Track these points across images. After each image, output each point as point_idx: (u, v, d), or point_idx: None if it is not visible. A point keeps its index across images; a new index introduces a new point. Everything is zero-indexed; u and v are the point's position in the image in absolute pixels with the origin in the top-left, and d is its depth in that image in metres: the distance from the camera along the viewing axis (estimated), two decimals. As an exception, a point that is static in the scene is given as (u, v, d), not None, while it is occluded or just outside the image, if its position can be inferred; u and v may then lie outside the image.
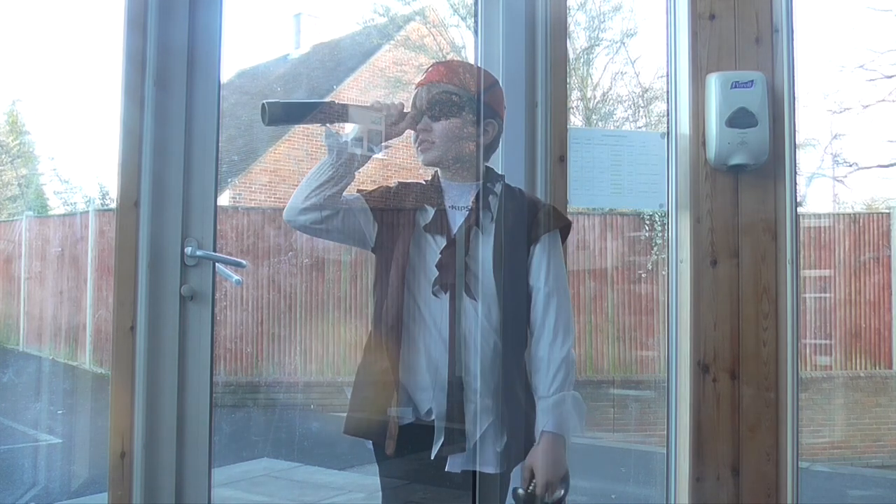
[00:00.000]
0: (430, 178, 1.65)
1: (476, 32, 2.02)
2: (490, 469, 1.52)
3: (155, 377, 1.73)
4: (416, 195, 1.63)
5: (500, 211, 1.58)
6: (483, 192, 1.58)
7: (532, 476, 1.47)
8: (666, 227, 2.10)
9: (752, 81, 1.93)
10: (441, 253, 1.54)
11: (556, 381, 1.50)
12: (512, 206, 1.60)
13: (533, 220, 1.60)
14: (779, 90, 1.94)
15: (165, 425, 1.73)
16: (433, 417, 1.51)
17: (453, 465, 1.50)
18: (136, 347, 1.71)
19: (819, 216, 7.81)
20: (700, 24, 1.99)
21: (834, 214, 7.99)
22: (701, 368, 1.94)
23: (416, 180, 1.66)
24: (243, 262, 2.04)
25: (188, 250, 1.76)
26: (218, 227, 1.81)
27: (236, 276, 1.97)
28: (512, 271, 1.55)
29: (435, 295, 1.53)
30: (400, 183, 1.66)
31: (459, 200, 1.59)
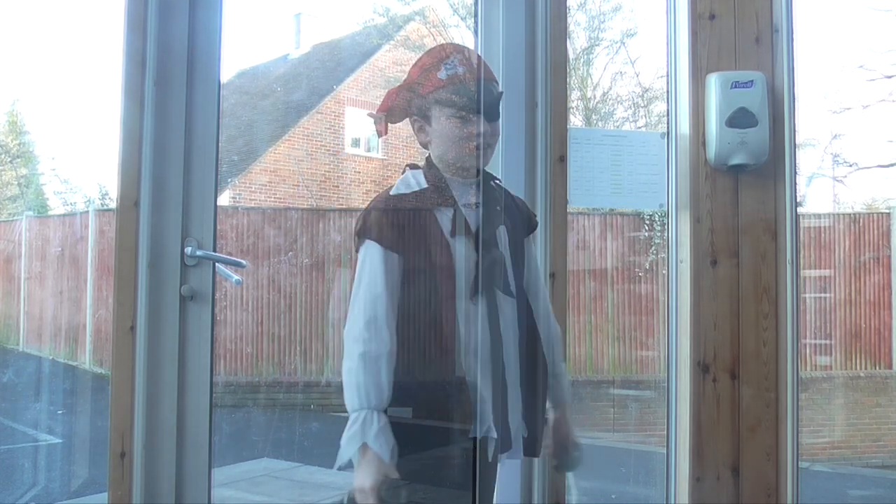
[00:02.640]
0: (423, 176, 1.55)
1: (476, 32, 2.02)
2: (519, 457, 1.57)
3: (155, 377, 1.73)
4: (428, 202, 1.52)
5: (506, 208, 1.59)
6: (492, 190, 1.57)
7: (563, 446, 1.59)
8: (666, 227, 2.10)
9: (752, 81, 1.93)
10: (476, 254, 1.49)
11: (558, 353, 1.64)
12: (510, 203, 1.62)
13: (526, 215, 1.66)
14: (779, 90, 1.94)
15: (165, 425, 1.73)
16: (494, 433, 1.48)
17: (501, 459, 1.52)
18: (136, 347, 1.71)
19: (819, 216, 7.81)
20: (700, 24, 1.99)
21: (834, 214, 7.99)
22: (701, 368, 1.94)
23: (406, 189, 1.54)
24: (243, 262, 2.04)
25: (188, 250, 1.76)
26: (218, 227, 1.81)
27: (236, 276, 1.97)
28: (520, 265, 1.57)
29: (474, 302, 1.48)
30: (395, 199, 1.53)
31: (469, 198, 1.54)
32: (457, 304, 1.47)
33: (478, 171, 1.56)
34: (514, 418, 1.51)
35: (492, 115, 1.53)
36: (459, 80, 1.51)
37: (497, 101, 1.55)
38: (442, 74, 1.52)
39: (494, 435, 1.47)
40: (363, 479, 1.37)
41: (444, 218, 1.50)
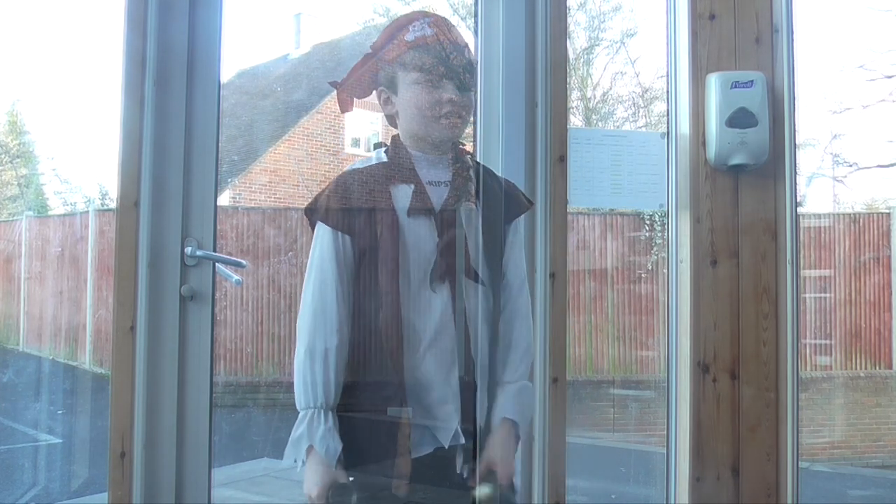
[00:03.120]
0: (387, 149, 1.44)
1: (476, 32, 2.02)
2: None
3: (155, 377, 1.72)
4: (383, 178, 1.40)
5: (480, 186, 1.45)
6: (461, 165, 1.43)
7: (488, 467, 1.37)
8: (666, 227, 2.10)
9: (752, 81, 1.93)
10: (436, 237, 1.36)
11: (521, 367, 1.43)
12: (489, 182, 1.49)
13: (510, 198, 1.50)
14: (779, 90, 1.94)
15: (165, 425, 1.73)
16: (460, 441, 1.34)
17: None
18: (136, 347, 1.71)
19: (819, 216, 7.81)
20: (700, 24, 1.99)
21: (834, 214, 7.99)
22: (701, 368, 1.94)
23: (362, 165, 1.43)
24: (243, 262, 2.04)
25: (188, 250, 1.75)
26: (218, 227, 1.81)
27: (236, 276, 1.97)
28: (494, 252, 1.43)
29: (432, 288, 1.35)
30: (347, 175, 1.42)
31: (437, 175, 1.41)
32: (411, 290, 1.34)
33: (452, 143, 1.43)
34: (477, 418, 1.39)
35: (463, 85, 1.39)
36: (427, 42, 1.38)
37: (469, 68, 1.40)
38: (409, 36, 1.40)
39: (462, 441, 1.35)
40: (310, 485, 1.30)
41: (402, 195, 1.38)
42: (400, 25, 1.43)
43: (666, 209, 2.05)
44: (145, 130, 1.73)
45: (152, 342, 1.72)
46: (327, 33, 11.58)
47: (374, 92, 1.48)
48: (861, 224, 7.59)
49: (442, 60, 1.37)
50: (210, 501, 1.76)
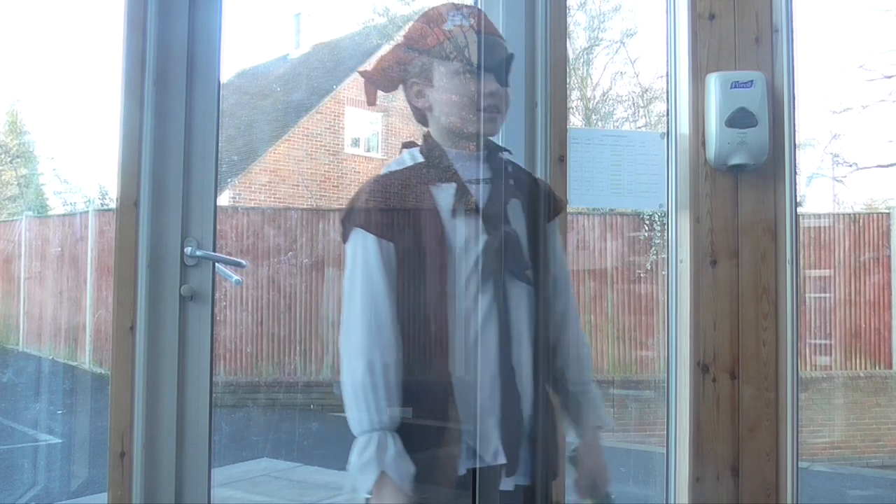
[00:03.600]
0: (420, 152, 1.36)
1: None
2: (525, 481, 1.32)
3: (155, 377, 1.72)
4: (423, 179, 1.32)
5: (517, 183, 1.38)
6: (499, 163, 1.36)
7: (593, 479, 1.34)
8: (666, 227, 2.10)
9: (751, 81, 1.93)
10: (483, 237, 1.28)
11: (588, 369, 1.40)
12: (524, 179, 1.42)
13: (549, 196, 1.44)
14: (779, 90, 1.94)
15: (165, 425, 1.73)
16: (499, 460, 1.26)
17: (507, 483, 1.28)
18: (136, 347, 1.71)
19: (819, 216, 7.82)
20: (700, 24, 1.99)
21: (834, 214, 7.99)
22: (701, 368, 1.94)
23: (398, 167, 1.34)
24: (243, 262, 2.04)
25: (188, 250, 1.75)
26: (218, 227, 1.81)
27: (236, 276, 1.97)
28: (537, 251, 1.36)
29: (481, 290, 1.27)
30: (383, 178, 1.33)
31: (475, 173, 1.34)
32: (456, 293, 1.27)
33: (479, 137, 1.35)
34: (529, 431, 1.30)
35: (503, 78, 1.34)
36: (467, 31, 1.32)
37: (510, 60, 1.36)
38: (447, 25, 1.32)
39: (503, 460, 1.26)
40: None
41: (444, 195, 1.29)
42: (437, 14, 1.35)
43: (666, 209, 2.05)
44: (145, 130, 1.73)
45: (152, 342, 1.72)
46: (327, 33, 11.59)
47: (402, 86, 1.40)
48: (861, 224, 7.59)
49: (482, 51, 1.31)
50: (210, 501, 1.76)
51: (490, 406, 1.27)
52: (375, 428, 1.21)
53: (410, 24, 1.39)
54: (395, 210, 1.29)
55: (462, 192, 1.29)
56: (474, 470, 1.26)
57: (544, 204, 1.42)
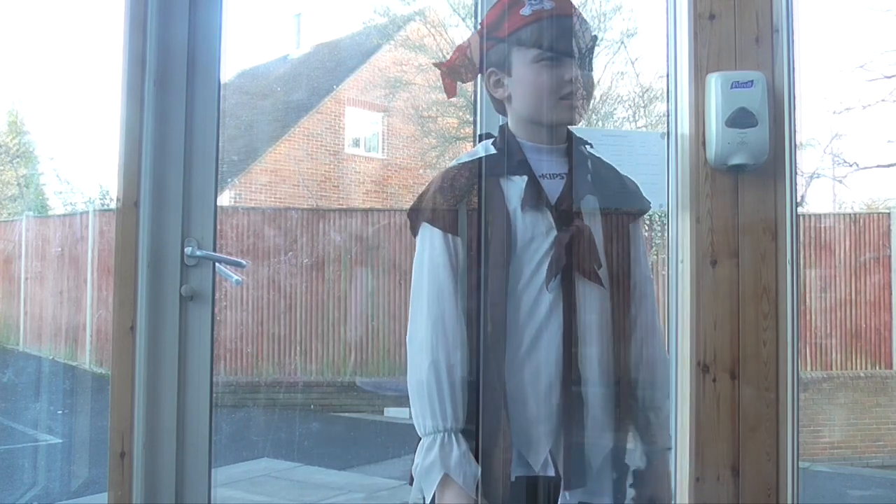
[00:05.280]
0: (494, 141, 1.30)
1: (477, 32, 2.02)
2: (608, 501, 1.26)
3: (155, 377, 1.73)
4: (493, 172, 1.27)
5: (597, 179, 1.32)
6: (580, 157, 1.29)
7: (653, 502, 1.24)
8: (666, 227, 2.10)
9: (752, 81, 1.93)
10: (552, 233, 1.22)
11: (664, 387, 1.33)
12: (606, 176, 1.36)
13: (633, 196, 1.38)
14: (779, 90, 1.94)
15: (165, 425, 1.73)
16: (549, 471, 1.20)
17: (568, 497, 1.22)
18: (136, 347, 1.71)
19: (819, 216, 7.82)
20: (700, 24, 1.99)
21: (834, 214, 8.00)
22: (701, 368, 1.94)
23: (469, 158, 1.29)
24: (243, 261, 2.04)
25: (188, 250, 1.76)
26: (218, 227, 1.82)
27: (236, 276, 1.97)
28: (615, 253, 1.30)
29: (547, 288, 1.20)
30: (453, 171, 1.28)
31: (551, 167, 1.27)
32: (518, 290, 1.21)
33: (550, 128, 1.28)
34: (597, 449, 1.24)
35: (585, 63, 1.27)
36: (546, 16, 1.24)
37: (592, 45, 1.28)
38: (525, 10, 1.25)
39: (552, 473, 1.20)
40: None
41: (514, 189, 1.24)
42: (513, 0, 1.28)
43: (666, 209, 2.05)
44: (145, 130, 1.74)
45: (152, 342, 1.72)
46: (327, 33, 11.60)
47: (480, 76, 1.34)
48: (861, 224, 7.59)
49: (563, 35, 1.24)
50: (210, 501, 1.76)
51: (544, 413, 1.21)
52: (440, 429, 1.17)
53: (489, 9, 1.33)
54: (463, 204, 1.24)
55: (533, 187, 1.24)
56: (527, 478, 1.21)
57: (627, 203, 1.36)
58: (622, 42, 9.10)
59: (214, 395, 1.78)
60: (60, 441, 5.25)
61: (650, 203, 1.45)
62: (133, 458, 1.69)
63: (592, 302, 1.24)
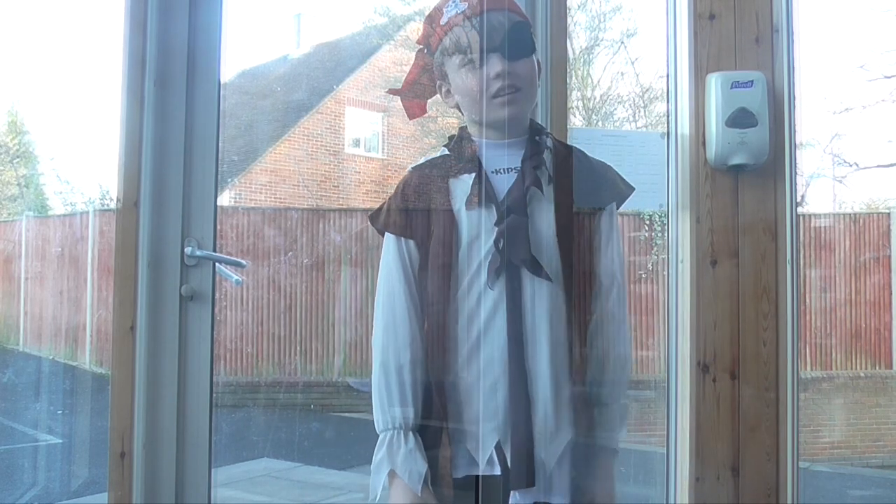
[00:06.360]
0: (453, 142, 1.31)
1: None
2: (562, 501, 1.23)
3: (155, 377, 1.73)
4: (443, 172, 1.28)
5: (556, 169, 1.28)
6: (534, 148, 1.27)
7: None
8: (666, 227, 2.10)
9: (752, 81, 1.93)
10: (495, 228, 1.21)
11: (618, 384, 1.30)
12: (569, 164, 1.32)
13: (599, 182, 1.34)
14: (779, 90, 1.94)
15: (165, 425, 1.73)
16: (495, 471, 1.20)
17: (518, 497, 1.20)
18: (136, 347, 1.71)
19: (819, 216, 7.81)
20: (700, 24, 1.99)
21: (834, 214, 7.99)
22: (701, 368, 1.94)
23: (425, 159, 1.32)
24: (243, 261, 2.04)
25: (188, 250, 1.76)
26: (218, 227, 1.81)
27: (236, 276, 1.97)
28: (569, 245, 1.26)
29: (489, 285, 1.20)
30: (408, 175, 1.30)
31: (504, 162, 1.26)
32: (461, 290, 1.22)
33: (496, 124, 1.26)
34: (550, 446, 1.21)
35: (512, 51, 1.24)
36: (462, 20, 1.25)
37: (517, 30, 1.24)
38: (443, 20, 1.27)
39: (497, 471, 1.20)
40: None
41: (461, 187, 1.25)
42: (436, 11, 1.30)
43: (666, 209, 2.05)
44: (145, 130, 1.74)
45: (152, 342, 1.72)
46: (327, 33, 11.59)
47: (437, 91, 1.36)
48: (861, 224, 7.59)
49: (479, 33, 1.23)
50: (210, 502, 1.76)
51: (489, 410, 1.21)
52: (389, 427, 1.21)
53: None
54: (414, 206, 1.27)
55: (479, 184, 1.24)
56: (476, 477, 1.22)
57: (597, 191, 1.32)
58: (622, 42, 9.09)
59: (214, 395, 1.78)
60: (60, 441, 5.24)
61: (630, 189, 1.38)
62: (133, 458, 1.69)
63: (541, 297, 1.22)
